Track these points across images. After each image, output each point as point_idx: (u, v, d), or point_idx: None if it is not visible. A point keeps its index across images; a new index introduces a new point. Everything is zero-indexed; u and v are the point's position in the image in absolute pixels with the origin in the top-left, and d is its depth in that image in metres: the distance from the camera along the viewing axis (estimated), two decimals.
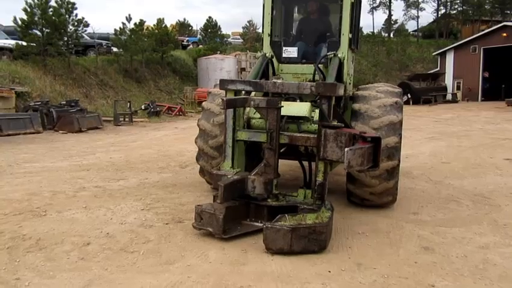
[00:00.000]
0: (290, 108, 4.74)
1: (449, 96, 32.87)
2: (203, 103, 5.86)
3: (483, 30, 35.24)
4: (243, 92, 4.80)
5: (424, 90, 31.33)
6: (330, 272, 3.59)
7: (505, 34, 30.56)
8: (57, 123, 14.55)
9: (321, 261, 3.79)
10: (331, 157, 3.99)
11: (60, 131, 14.10)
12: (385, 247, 4.17)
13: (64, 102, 16.69)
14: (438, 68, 35.77)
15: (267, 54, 5.86)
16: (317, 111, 4.90)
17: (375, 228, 4.66)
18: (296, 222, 3.99)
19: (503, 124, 16.50)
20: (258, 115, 5.15)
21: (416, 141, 11.80)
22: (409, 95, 29.63)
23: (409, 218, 5.08)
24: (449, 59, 34.80)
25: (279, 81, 4.64)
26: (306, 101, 5.14)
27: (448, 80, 34.39)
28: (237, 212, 4.39)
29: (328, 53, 5.61)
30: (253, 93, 5.30)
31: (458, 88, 34.05)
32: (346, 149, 3.73)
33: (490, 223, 4.91)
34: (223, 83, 4.57)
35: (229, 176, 4.40)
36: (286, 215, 4.06)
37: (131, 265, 3.70)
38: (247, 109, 5.14)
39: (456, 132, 14.16)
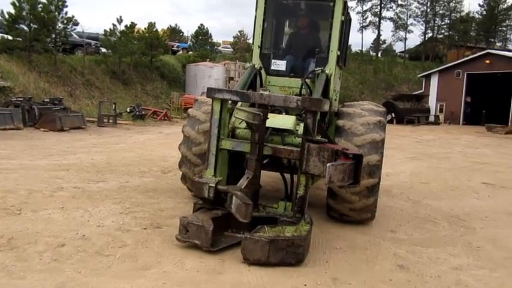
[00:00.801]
0: (275, 121, 4.77)
1: (432, 118, 33.53)
2: (189, 110, 5.86)
3: (468, 56, 36.25)
4: (230, 101, 4.82)
5: (408, 110, 31.90)
6: (305, 285, 3.60)
7: (488, 61, 31.47)
8: (39, 120, 14.31)
9: (297, 275, 3.79)
10: (313, 171, 4.03)
11: (42, 129, 13.86)
12: (362, 263, 4.20)
13: (47, 100, 16.44)
14: (423, 90, 36.54)
15: (255, 66, 5.91)
16: (302, 124, 4.91)
17: (353, 244, 4.70)
18: (275, 234, 3.99)
19: (482, 149, 16.88)
20: (243, 125, 5.17)
21: (397, 160, 11.97)
22: (393, 114, 30.12)
23: (387, 236, 5.13)
24: (434, 81, 35.60)
25: (265, 93, 4.66)
26: (291, 114, 5.19)
27: (432, 102, 35.15)
28: (220, 223, 4.34)
29: (316, 69, 5.68)
30: (239, 103, 5.33)
31: (441, 111, 34.81)
32: (328, 164, 3.77)
33: (464, 245, 5.00)
34: (210, 92, 4.58)
35: (211, 187, 4.34)
36: (265, 227, 4.06)
37: (106, 269, 3.64)
38: (233, 118, 5.16)
39: (437, 153, 14.42)
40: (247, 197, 4.18)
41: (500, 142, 20.37)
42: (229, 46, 46.13)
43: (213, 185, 4.35)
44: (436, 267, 4.24)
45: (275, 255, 3.88)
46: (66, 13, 20.65)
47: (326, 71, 5.55)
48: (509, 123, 28.99)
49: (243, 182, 4.38)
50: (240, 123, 5.21)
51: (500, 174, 10.51)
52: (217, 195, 4.39)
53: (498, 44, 53.63)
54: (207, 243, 4.04)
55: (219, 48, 43.51)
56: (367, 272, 3.98)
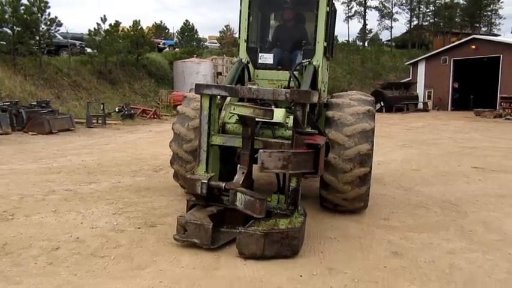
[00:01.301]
0: None
1: (420, 105, 33.79)
2: (178, 107, 5.83)
3: (453, 42, 36.47)
4: (219, 96, 4.80)
5: (396, 98, 32.09)
6: (301, 276, 3.63)
7: (474, 46, 31.72)
8: (27, 124, 14.12)
9: (293, 266, 3.82)
10: (270, 167, 3.94)
11: (30, 133, 13.70)
12: (356, 252, 4.24)
13: (34, 103, 16.22)
14: (410, 78, 36.76)
15: (243, 60, 5.89)
16: (292, 117, 4.91)
17: (347, 234, 4.74)
18: (269, 227, 4.01)
19: (471, 133, 17.07)
20: (233, 120, 5.16)
21: (388, 148, 12.05)
22: (382, 103, 30.28)
23: (380, 224, 5.19)
24: (421, 69, 35.82)
25: (254, 87, 4.65)
26: (280, 107, 5.20)
27: (420, 89, 35.38)
28: (217, 219, 4.34)
29: (303, 61, 5.69)
30: (228, 98, 5.32)
31: (429, 97, 35.06)
32: (260, 151, 3.84)
33: (456, 229, 5.07)
34: (198, 88, 4.56)
35: (203, 183, 4.33)
36: (259, 220, 4.08)
37: (101, 270, 3.63)
38: (223, 114, 5.15)
39: (426, 140, 14.55)
40: None
41: (489, 126, 20.61)
42: (216, 41, 45.92)
43: (206, 181, 4.34)
44: (430, 252, 4.30)
45: (270, 248, 3.90)
46: (49, 14, 20.37)
47: (313, 63, 5.55)
48: (497, 107, 29.31)
49: (239, 178, 4.37)
50: (229, 118, 5.20)
51: (490, 158, 10.65)
52: (210, 191, 4.39)
53: (483, 29, 54.10)
54: (207, 241, 4.02)
55: (206, 43, 43.31)
56: (362, 260, 4.03)
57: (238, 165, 4.53)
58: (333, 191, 5.18)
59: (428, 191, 7.01)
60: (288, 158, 3.81)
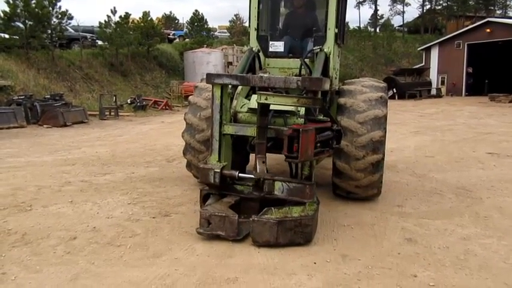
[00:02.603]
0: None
1: (433, 91, 33.29)
2: (190, 97, 5.85)
3: (467, 26, 35.70)
4: (230, 86, 4.81)
5: (409, 85, 31.68)
6: (315, 263, 3.65)
7: (488, 30, 31.02)
8: (42, 117, 14.36)
9: (306, 253, 3.84)
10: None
11: (45, 125, 13.92)
12: (370, 239, 4.25)
13: (48, 96, 16.46)
14: (423, 63, 36.18)
15: (253, 49, 5.87)
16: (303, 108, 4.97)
17: (360, 221, 4.74)
18: (282, 215, 4.02)
19: (486, 119, 16.81)
20: (245, 109, 5.16)
21: (401, 135, 11.95)
22: (394, 90, 29.95)
23: (394, 211, 5.17)
24: (434, 54, 35.20)
25: (265, 75, 4.63)
26: (292, 95, 5.17)
27: (433, 75, 34.83)
28: (235, 210, 4.35)
29: (314, 48, 5.64)
30: (239, 88, 5.32)
31: (442, 83, 34.51)
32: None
33: (471, 215, 5.03)
34: (209, 77, 4.56)
35: (216, 172, 4.34)
36: (272, 208, 4.10)
37: (118, 259, 3.70)
38: (234, 103, 5.16)
39: (440, 126, 14.38)
40: None
41: (504, 111, 20.25)
42: (226, 31, 45.73)
43: (219, 171, 4.35)
44: (444, 238, 4.28)
45: (284, 236, 3.93)
46: (60, 7, 20.52)
47: (325, 50, 5.51)
48: None
49: (262, 167, 4.37)
50: (241, 108, 5.21)
51: (505, 143, 10.49)
52: (223, 181, 4.42)
53: (498, 12, 52.81)
54: (234, 233, 4.02)
55: (216, 33, 43.15)
56: (376, 247, 4.03)
57: (257, 155, 4.49)
58: (346, 178, 5.17)
59: (442, 177, 6.96)
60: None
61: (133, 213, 4.93)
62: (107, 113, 17.30)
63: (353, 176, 5.09)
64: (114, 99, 18.28)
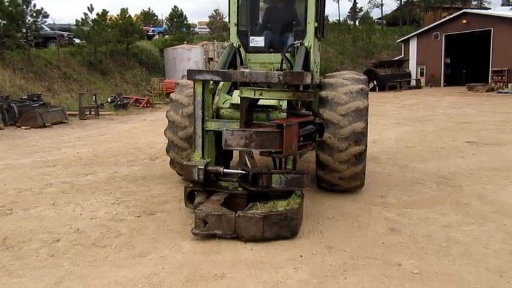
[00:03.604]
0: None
1: (413, 82, 33.77)
2: (171, 94, 5.81)
3: (444, 17, 36.26)
4: (211, 82, 4.78)
5: (389, 76, 32.07)
6: (301, 256, 3.68)
7: (465, 21, 31.57)
8: (19, 118, 14.01)
9: (292, 247, 3.87)
10: (232, 145, 3.95)
11: (23, 127, 13.61)
12: (354, 230, 4.30)
13: (25, 97, 16.06)
14: (402, 55, 36.63)
15: (234, 44, 5.85)
16: (284, 101, 4.96)
17: (344, 213, 4.80)
18: (267, 210, 4.04)
19: (464, 108, 17.15)
20: (227, 105, 5.15)
21: (382, 126, 12.10)
22: (375, 82, 30.27)
23: (377, 202, 5.24)
24: (413, 45, 35.67)
25: (246, 70, 4.62)
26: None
27: (412, 67, 35.32)
28: (226, 207, 4.32)
29: (295, 42, 5.66)
30: (221, 84, 5.30)
31: (421, 74, 35.03)
32: (223, 129, 3.90)
33: (452, 203, 5.14)
34: (190, 74, 4.52)
35: (200, 169, 4.31)
36: (257, 203, 4.11)
37: (103, 259, 3.66)
38: (216, 99, 5.14)
39: (420, 117, 14.61)
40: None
41: (482, 100, 20.70)
42: (206, 26, 45.44)
43: (203, 167, 4.34)
44: (427, 227, 4.36)
45: (270, 230, 3.95)
46: (34, 6, 20.06)
47: (305, 44, 5.54)
48: (489, 81, 29.38)
49: (252, 161, 4.39)
50: (223, 103, 5.19)
51: (483, 132, 10.73)
52: (207, 177, 4.40)
53: (474, 3, 53.80)
54: (231, 231, 3.99)
55: (196, 29, 42.86)
56: (360, 238, 4.09)
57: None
58: (330, 170, 5.22)
59: (424, 167, 7.08)
60: (250, 137, 3.82)
61: (118, 213, 4.88)
62: (87, 113, 17.00)
63: (336, 168, 5.14)
64: (94, 99, 17.98)
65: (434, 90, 29.34)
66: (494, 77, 29.10)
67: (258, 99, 4.31)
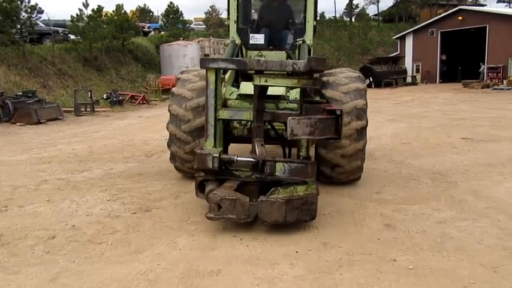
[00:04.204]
0: (268, 88, 4.77)
1: (409, 79, 33.87)
2: (173, 88, 5.78)
3: (440, 14, 36.33)
4: (221, 71, 4.75)
5: (385, 73, 32.15)
6: (297, 252, 3.70)
7: (460, 17, 31.67)
8: (14, 115, 13.95)
9: (288, 243, 3.88)
10: (298, 134, 3.95)
11: (18, 123, 13.54)
12: (350, 226, 4.32)
13: (20, 93, 15.98)
14: (398, 52, 36.72)
15: (236, 41, 5.91)
16: (292, 91, 5.27)
17: (340, 209, 4.81)
18: (288, 195, 4.07)
19: (460, 105, 17.22)
20: (234, 96, 5.24)
21: (378, 123, 12.13)
22: (371, 79, 30.30)
23: (372, 198, 5.27)
24: (409, 42, 35.76)
25: (262, 58, 4.59)
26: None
27: (408, 63, 35.41)
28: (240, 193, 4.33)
29: (298, 39, 5.76)
30: (226, 76, 5.37)
31: (417, 71, 35.13)
32: (289, 118, 3.84)
33: (447, 199, 5.17)
34: (204, 62, 4.42)
35: (215, 157, 4.28)
36: (278, 188, 4.13)
37: (99, 256, 3.66)
38: (223, 90, 5.16)
39: (416, 113, 14.66)
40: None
41: (477, 97, 20.79)
42: (202, 23, 45.29)
43: (217, 155, 4.29)
44: (422, 222, 4.39)
45: (291, 215, 4.00)
46: (29, 1, 19.90)
47: (307, 42, 5.64)
48: (485, 78, 29.50)
49: (262, 150, 4.36)
50: (230, 95, 5.21)
51: (478, 128, 10.78)
52: (221, 166, 4.39)
53: (469, 0, 53.90)
54: (245, 215, 3.99)
55: (192, 25, 42.67)
56: (356, 234, 4.10)
57: (254, 138, 4.48)
58: (332, 147, 5.25)
59: (419, 163, 7.11)
60: (314, 124, 3.84)
61: (113, 209, 4.87)
62: (83, 109, 16.94)
63: (338, 144, 5.16)
64: (89, 95, 17.90)
65: (429, 87, 29.42)
66: (489, 74, 29.23)
67: (267, 88, 4.37)
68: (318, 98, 4.51)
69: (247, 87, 5.28)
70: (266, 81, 4.11)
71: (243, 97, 5.22)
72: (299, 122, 3.83)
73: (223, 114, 4.65)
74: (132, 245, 3.89)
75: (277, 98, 5.06)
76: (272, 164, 4.23)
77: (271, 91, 4.79)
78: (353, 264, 3.47)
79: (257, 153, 4.35)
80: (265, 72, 4.33)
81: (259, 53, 5.89)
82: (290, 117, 3.83)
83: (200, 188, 4.53)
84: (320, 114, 4.04)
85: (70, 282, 3.22)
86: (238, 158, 4.41)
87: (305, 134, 3.88)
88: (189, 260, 3.56)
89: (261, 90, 4.37)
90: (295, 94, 5.39)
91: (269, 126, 5.28)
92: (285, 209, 3.96)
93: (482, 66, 30.71)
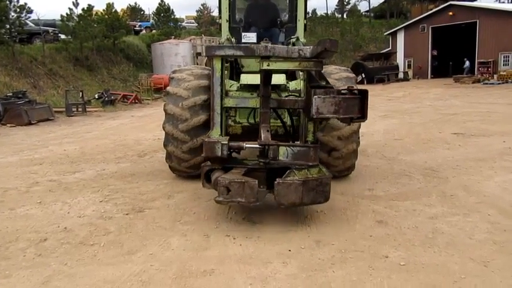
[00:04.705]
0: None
1: (401, 75, 34.02)
2: (168, 88, 5.73)
3: (431, 10, 36.50)
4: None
5: (377, 69, 32.27)
6: (290, 250, 3.71)
7: (451, 13, 31.87)
8: (4, 116, 13.82)
9: (281, 241, 3.89)
10: (323, 112, 3.93)
11: (8, 125, 13.43)
12: (342, 223, 4.34)
13: (10, 94, 15.85)
14: (390, 48, 36.86)
15: (232, 39, 5.94)
16: (292, 82, 5.44)
17: (333, 206, 4.82)
18: (304, 176, 4.08)
19: (451, 100, 17.34)
20: (234, 87, 5.31)
21: (370, 119, 12.01)
22: (363, 75, 30.41)
23: (365, 194, 5.29)
24: (400, 38, 35.91)
25: (269, 45, 4.53)
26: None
27: (400, 59, 35.57)
28: None
29: (292, 37, 5.78)
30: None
31: (409, 66, 35.31)
32: (314, 96, 3.82)
33: (438, 195, 5.21)
34: (209, 50, 4.38)
35: (224, 145, 4.24)
36: (293, 171, 4.15)
37: (91, 258, 3.65)
38: (224, 82, 5.17)
39: (408, 109, 14.73)
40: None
41: (468, 92, 20.94)
42: (193, 21, 45.13)
43: (226, 143, 4.24)
44: (413, 218, 4.42)
45: (307, 196, 3.98)
46: (17, 1, 19.74)
47: (301, 40, 5.67)
48: (475, 73, 29.72)
49: (266, 135, 4.34)
50: (230, 87, 5.29)
51: (469, 123, 10.86)
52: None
53: None
54: (254, 198, 3.96)
55: (183, 24, 42.53)
56: (348, 231, 4.12)
57: (261, 124, 4.48)
58: (329, 129, 5.31)
59: (411, 159, 7.15)
60: (339, 103, 3.84)
61: (106, 210, 4.85)
62: (74, 109, 16.83)
63: (335, 125, 5.26)
64: (80, 95, 17.81)
65: (421, 83, 29.58)
66: (480, 69, 29.45)
67: (271, 75, 4.41)
68: (324, 83, 4.48)
69: (248, 78, 5.35)
70: (269, 65, 4.10)
71: (244, 88, 5.28)
72: (324, 100, 3.81)
73: (229, 102, 4.65)
74: (125, 246, 3.87)
75: (278, 88, 5.11)
76: (275, 148, 4.21)
77: (274, 81, 4.81)
78: (345, 262, 3.48)
79: (262, 138, 4.34)
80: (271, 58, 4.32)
81: (268, 64, 6.02)
82: (315, 96, 3.81)
83: (206, 178, 4.45)
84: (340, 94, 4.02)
85: (62, 285, 3.20)
86: (246, 145, 4.37)
87: (330, 112, 3.87)
88: (182, 260, 3.56)
89: (266, 76, 4.37)
90: (294, 85, 5.45)
91: (278, 123, 5.29)
92: (301, 191, 3.93)
93: (467, 61, 31.10)
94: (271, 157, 4.23)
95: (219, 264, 3.47)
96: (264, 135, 4.35)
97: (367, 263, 3.45)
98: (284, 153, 4.24)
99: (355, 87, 4.24)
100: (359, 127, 5.49)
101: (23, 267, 3.50)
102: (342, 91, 4.09)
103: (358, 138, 5.60)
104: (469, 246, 3.73)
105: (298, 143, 4.86)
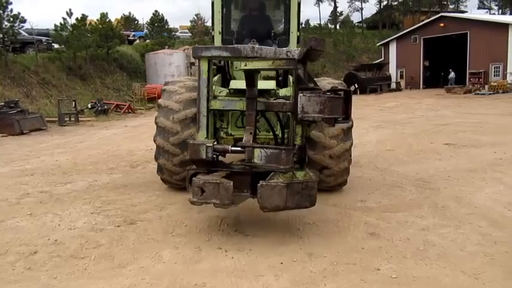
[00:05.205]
0: (258, 83, 4.77)
1: (393, 85, 34.34)
2: (159, 100, 5.73)
3: (423, 21, 37.00)
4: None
5: (370, 80, 32.53)
6: (282, 263, 3.70)
7: (442, 24, 32.32)
8: None
9: (273, 254, 3.88)
10: (309, 113, 3.91)
11: (0, 135, 13.34)
12: (334, 235, 4.34)
13: (2, 104, 15.74)
14: (382, 58, 37.26)
15: None
16: (282, 89, 5.46)
17: (325, 218, 4.83)
18: (289, 179, 4.01)
19: (443, 110, 17.49)
20: (224, 92, 5.30)
21: (363, 130, 12.24)
22: (356, 85, 30.63)
23: (357, 206, 5.30)
24: (393, 49, 36.32)
25: (257, 45, 4.53)
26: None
27: (392, 70, 35.94)
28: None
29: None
30: (215, 78, 5.46)
31: (401, 77, 35.66)
32: (300, 95, 3.78)
33: (430, 206, 5.23)
34: (196, 51, 4.32)
35: (209, 147, 4.18)
36: (277, 174, 4.10)
37: (82, 271, 3.61)
38: (213, 87, 5.18)
39: (400, 120, 14.84)
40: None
41: (460, 102, 21.15)
42: (187, 31, 45.31)
43: (211, 145, 4.18)
44: (405, 230, 4.43)
45: (292, 200, 3.86)
46: (11, 10, 19.73)
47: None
48: (467, 83, 30.05)
49: (248, 138, 4.29)
50: (220, 92, 5.29)
51: (461, 134, 10.96)
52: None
53: (451, 7, 55.06)
54: (229, 200, 3.84)
55: (177, 34, 42.67)
56: (340, 244, 4.12)
57: (246, 126, 4.46)
58: (321, 148, 5.30)
59: (403, 170, 7.19)
60: (324, 103, 3.80)
61: (97, 222, 4.82)
62: (67, 119, 16.76)
63: (327, 144, 5.24)
64: (73, 104, 17.76)
65: (413, 93, 29.84)
66: (471, 79, 29.81)
67: (255, 76, 4.38)
68: (312, 85, 4.49)
69: (236, 83, 5.36)
70: (246, 65, 4.10)
71: (233, 94, 5.27)
72: (310, 99, 3.78)
73: (216, 104, 4.57)
74: (116, 259, 3.84)
75: (267, 93, 5.13)
76: (250, 150, 4.12)
77: (263, 86, 4.84)
78: (337, 275, 3.48)
79: (243, 140, 4.29)
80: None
81: (245, 64, 6.01)
82: (301, 94, 3.77)
83: (191, 181, 4.30)
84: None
85: None
86: (232, 148, 4.31)
87: (315, 112, 3.82)
88: (173, 274, 3.53)
89: (249, 77, 4.34)
90: (285, 92, 5.45)
91: (270, 136, 5.30)
92: (285, 194, 3.82)
93: (452, 72, 31.55)
94: (247, 159, 4.14)
95: (211, 278, 3.45)
96: (246, 137, 4.31)
97: (358, 276, 3.45)
98: (258, 155, 4.12)
99: (339, 88, 4.27)
100: (351, 145, 5.45)
101: (11, 281, 3.46)
102: (327, 92, 4.08)
103: (350, 156, 5.55)
104: (460, 258, 3.75)
105: (272, 145, 4.84)
